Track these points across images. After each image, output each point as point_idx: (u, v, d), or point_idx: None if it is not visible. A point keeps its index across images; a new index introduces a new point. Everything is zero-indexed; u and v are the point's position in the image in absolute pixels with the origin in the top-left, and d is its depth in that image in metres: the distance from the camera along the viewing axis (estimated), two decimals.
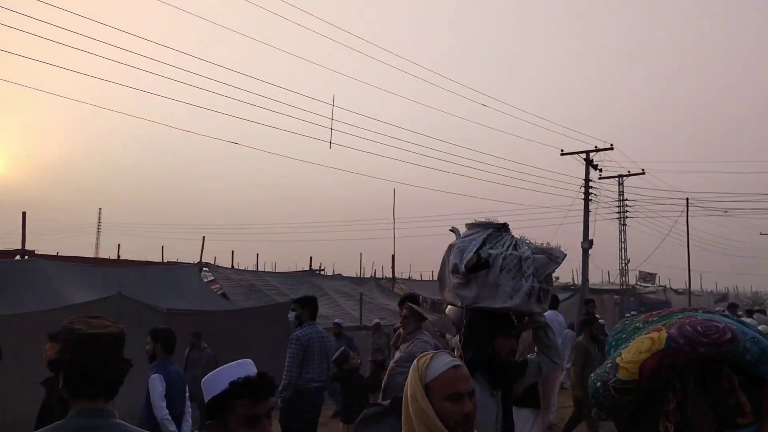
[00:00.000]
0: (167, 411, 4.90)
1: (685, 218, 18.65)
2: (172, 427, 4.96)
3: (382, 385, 5.99)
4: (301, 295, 6.40)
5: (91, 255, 33.25)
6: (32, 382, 8.48)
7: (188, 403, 5.41)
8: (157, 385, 4.94)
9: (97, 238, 58.82)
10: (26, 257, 13.71)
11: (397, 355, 5.89)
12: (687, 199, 19.26)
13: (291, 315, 5.97)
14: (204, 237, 18.97)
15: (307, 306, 6.00)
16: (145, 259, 19.16)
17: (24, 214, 14.10)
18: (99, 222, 60.27)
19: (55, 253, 18.09)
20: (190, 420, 5.39)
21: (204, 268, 18.05)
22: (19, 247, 13.97)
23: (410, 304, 5.97)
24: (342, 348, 6.64)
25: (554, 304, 8.56)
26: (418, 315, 5.86)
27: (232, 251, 28.32)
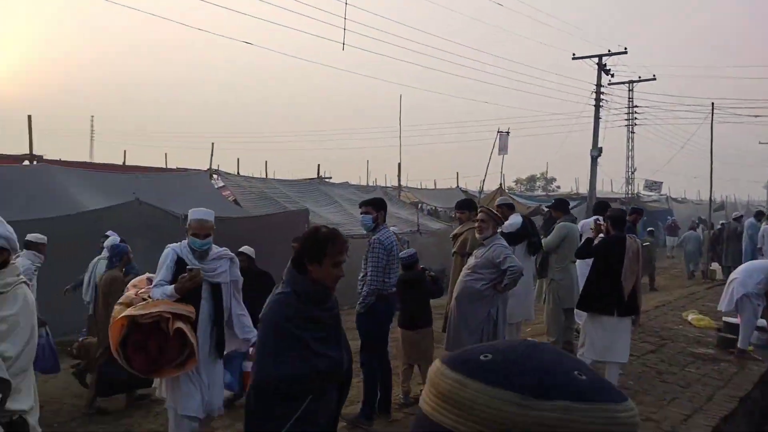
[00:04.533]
0: None
1: (710, 124, 17.97)
2: None
3: (453, 292, 5.72)
4: (371, 197, 6.01)
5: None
6: (57, 283, 8.21)
7: None
8: None
9: (91, 146, 58.24)
10: (35, 162, 13.16)
11: (472, 261, 5.58)
12: (713, 104, 18.50)
13: (366, 218, 5.58)
14: (213, 143, 18.36)
15: (383, 208, 5.63)
16: (150, 166, 18.63)
17: (29, 117, 13.44)
18: (92, 129, 59.74)
19: (58, 159, 17.48)
20: None
21: (214, 175, 17.59)
22: (27, 151, 13.38)
23: (487, 208, 5.62)
24: (412, 250, 6.32)
25: (565, 208, 8.29)
26: (495, 219, 5.52)
27: (238, 159, 27.85)
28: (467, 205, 6.75)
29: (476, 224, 5.61)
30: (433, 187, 33.57)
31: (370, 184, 28.52)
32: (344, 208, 20.46)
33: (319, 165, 24.39)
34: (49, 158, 14.15)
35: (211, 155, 18.06)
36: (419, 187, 32.89)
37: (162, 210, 11.36)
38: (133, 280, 4.97)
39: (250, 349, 4.53)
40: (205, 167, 17.64)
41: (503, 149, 23.00)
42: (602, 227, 6.40)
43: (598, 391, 0.67)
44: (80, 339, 7.28)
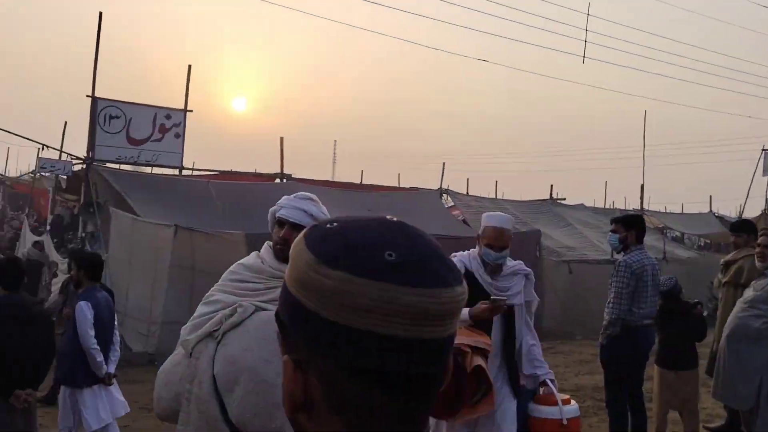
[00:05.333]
0: (95, 340, 4.71)
1: None
2: (100, 357, 4.74)
3: (724, 330, 4.81)
4: (622, 215, 5.40)
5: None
6: None
7: (116, 332, 5.18)
8: (85, 312, 4.71)
9: (333, 167, 63.49)
10: (284, 180, 14.28)
11: (749, 293, 4.66)
12: None
13: (613, 237, 5.01)
14: (444, 163, 18.48)
15: (635, 227, 4.98)
16: (384, 185, 19.29)
17: (282, 139, 14.66)
18: (334, 152, 65.32)
19: (305, 178, 18.85)
20: (118, 350, 5.12)
21: (444, 194, 17.69)
22: (278, 170, 14.57)
23: None
24: (671, 277, 5.54)
25: None
26: None
27: (468, 179, 27.62)
28: (745, 227, 5.75)
29: (756, 250, 4.69)
30: (679, 211, 30.61)
31: (608, 206, 26.78)
32: (579, 230, 19.38)
33: (552, 185, 23.35)
34: (296, 177, 15.24)
35: (442, 175, 18.15)
36: (664, 210, 30.22)
37: None
38: None
39: (541, 389, 3.75)
40: (436, 186, 17.79)
41: None
42: None
43: (391, 271, 0.65)
44: None
